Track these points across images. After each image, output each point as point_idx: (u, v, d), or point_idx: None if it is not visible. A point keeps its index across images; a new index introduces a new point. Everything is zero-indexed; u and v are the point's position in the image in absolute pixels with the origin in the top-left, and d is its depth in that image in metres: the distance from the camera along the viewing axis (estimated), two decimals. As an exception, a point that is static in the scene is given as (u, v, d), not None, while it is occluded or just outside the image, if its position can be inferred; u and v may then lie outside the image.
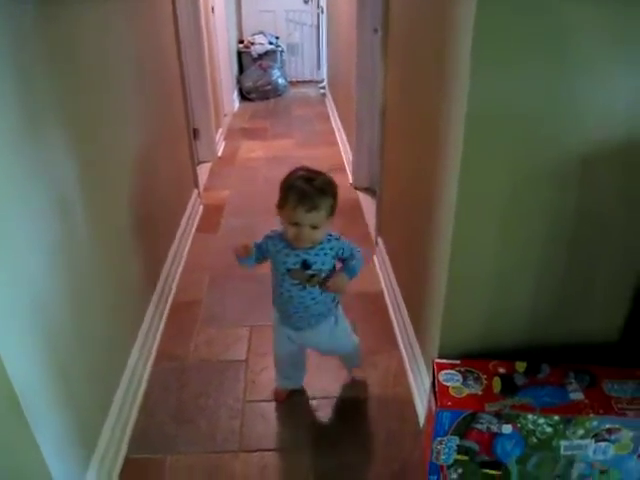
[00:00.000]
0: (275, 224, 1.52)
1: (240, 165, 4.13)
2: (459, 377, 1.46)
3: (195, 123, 3.84)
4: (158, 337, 2.13)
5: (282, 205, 1.42)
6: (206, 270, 2.61)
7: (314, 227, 1.40)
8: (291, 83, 6.52)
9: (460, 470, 1.48)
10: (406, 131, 1.98)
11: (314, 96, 6.22)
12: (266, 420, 1.76)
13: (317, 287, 1.52)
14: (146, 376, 1.93)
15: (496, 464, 1.45)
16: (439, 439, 1.43)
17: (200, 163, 3.96)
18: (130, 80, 2.05)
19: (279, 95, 6.20)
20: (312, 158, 3.96)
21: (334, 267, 1.55)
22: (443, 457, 1.46)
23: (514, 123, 1.24)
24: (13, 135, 1.14)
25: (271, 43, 6.17)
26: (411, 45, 1.86)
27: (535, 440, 1.39)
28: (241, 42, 6.26)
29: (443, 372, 1.47)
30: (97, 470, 1.47)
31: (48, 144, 1.31)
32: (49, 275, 1.28)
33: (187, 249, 2.81)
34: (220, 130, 4.48)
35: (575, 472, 1.44)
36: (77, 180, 1.47)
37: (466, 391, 1.42)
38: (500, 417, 1.37)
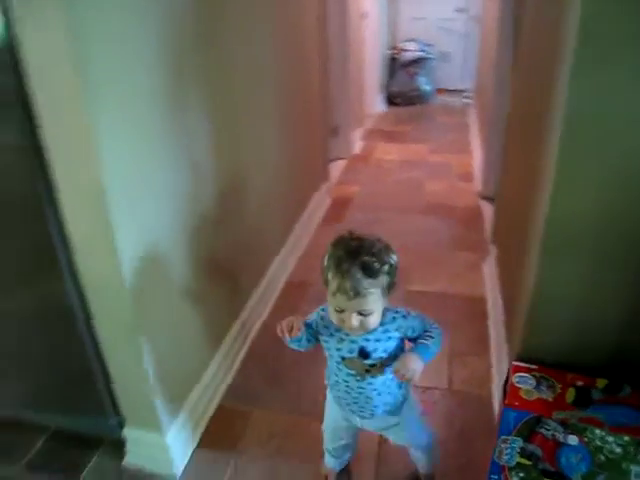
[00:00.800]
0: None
1: (373, 164, 4.28)
2: (533, 381, 1.47)
3: (335, 121, 4.05)
4: (269, 307, 2.35)
5: (324, 281, 1.15)
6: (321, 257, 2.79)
7: (364, 314, 1.12)
8: (438, 91, 6.53)
9: (522, 474, 1.49)
10: (519, 138, 1.99)
11: (458, 105, 6.19)
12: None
13: (379, 376, 1.26)
14: (252, 336, 2.16)
15: (560, 476, 1.44)
16: (503, 437, 1.45)
17: (336, 159, 4.17)
18: (270, 78, 2.28)
19: (425, 102, 6.26)
20: (443, 164, 4.00)
21: (402, 349, 1.27)
22: (505, 457, 1.48)
23: (613, 126, 1.19)
24: (166, 116, 1.48)
25: (422, 51, 6.24)
26: (530, 52, 1.87)
27: (603, 458, 1.37)
28: (393, 48, 6.40)
29: (518, 374, 1.50)
30: (194, 404, 1.71)
31: (191, 126, 1.60)
32: (177, 217, 1.58)
33: (310, 236, 3.02)
34: (360, 130, 4.66)
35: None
36: (208, 153, 1.72)
37: (536, 395, 1.43)
38: (566, 426, 1.36)
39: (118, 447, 1.73)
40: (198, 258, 1.74)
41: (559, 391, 1.44)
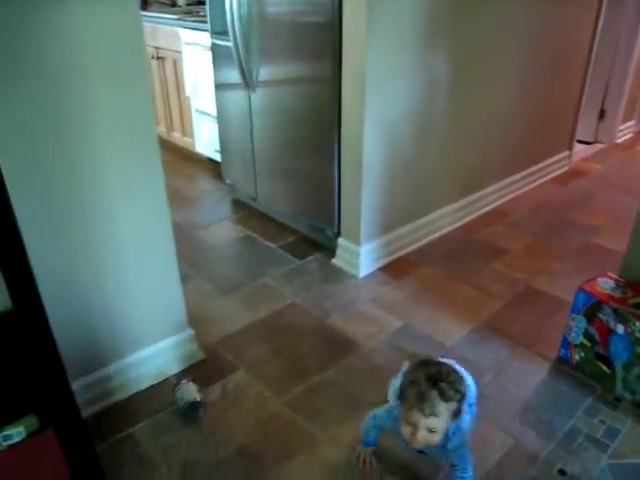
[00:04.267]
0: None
1: (629, 154, 4.38)
2: (613, 285, 1.92)
3: (604, 105, 4.32)
4: (472, 216, 3.06)
5: (401, 397, 1.34)
6: (534, 201, 3.36)
7: (432, 431, 1.30)
8: None
9: (582, 354, 1.97)
10: None
11: None
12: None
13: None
14: (454, 226, 2.91)
15: (608, 361, 1.89)
16: (573, 315, 1.96)
17: (595, 142, 4.45)
18: (527, 43, 2.90)
19: None
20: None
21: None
22: (573, 334, 1.99)
23: None
24: (414, 45, 2.26)
25: None
26: None
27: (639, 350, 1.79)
28: None
29: (604, 278, 1.96)
30: (387, 241, 2.57)
31: (435, 59, 2.40)
32: (409, 130, 2.39)
33: (530, 186, 3.55)
34: (631, 122, 4.76)
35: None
36: (444, 84, 2.49)
37: (608, 291, 1.89)
38: (617, 315, 1.81)
39: (332, 252, 2.69)
40: (425, 140, 2.55)
41: (629, 295, 1.86)
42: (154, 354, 1.88)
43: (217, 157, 3.54)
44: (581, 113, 3.76)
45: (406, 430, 1.32)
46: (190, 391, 1.80)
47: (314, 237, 2.83)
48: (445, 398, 1.26)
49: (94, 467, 1.42)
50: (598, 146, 4.48)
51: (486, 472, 1.59)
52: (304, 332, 2.18)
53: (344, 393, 1.89)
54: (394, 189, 2.52)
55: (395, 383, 1.50)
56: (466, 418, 1.42)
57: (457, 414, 1.32)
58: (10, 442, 1.24)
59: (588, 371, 1.95)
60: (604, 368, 1.90)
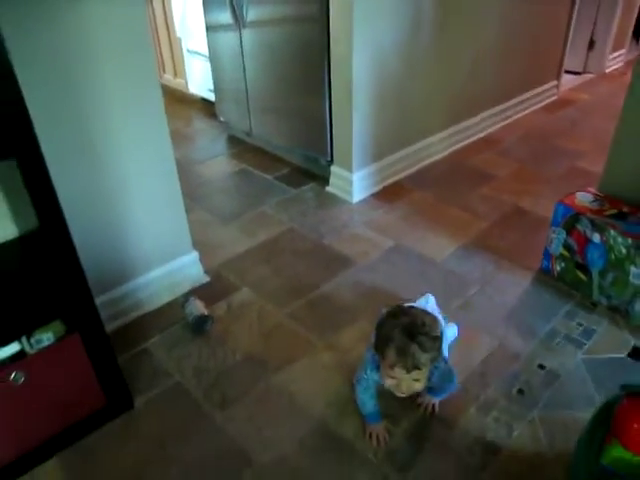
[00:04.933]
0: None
1: (617, 82, 4.40)
2: (591, 198, 2.03)
3: (594, 35, 4.34)
4: (461, 145, 3.14)
5: (378, 353, 1.32)
6: (522, 129, 3.43)
7: (416, 380, 1.30)
8: None
9: (563, 264, 2.10)
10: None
11: None
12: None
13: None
14: (440, 156, 3.01)
15: (585, 269, 2.02)
16: (553, 228, 2.09)
17: (584, 72, 4.48)
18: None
19: None
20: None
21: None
22: (553, 246, 2.11)
23: None
24: None
25: None
26: None
27: (613, 257, 1.90)
28: None
29: (583, 193, 2.07)
30: (380, 168, 2.67)
31: None
32: (398, 57, 2.45)
33: (520, 114, 3.62)
34: (622, 52, 4.77)
35: (637, 306, 1.88)
36: (432, 12, 2.52)
37: (587, 205, 2.00)
38: (594, 225, 1.92)
39: (325, 180, 2.79)
40: (414, 68, 2.61)
41: (605, 207, 1.97)
42: (163, 275, 2.01)
43: (210, 96, 3.58)
44: (571, 44, 3.78)
45: (389, 382, 1.31)
46: (198, 307, 1.94)
47: (308, 167, 2.92)
48: (425, 349, 1.23)
49: (116, 370, 1.57)
50: (588, 76, 4.52)
51: (472, 371, 1.74)
52: (301, 253, 2.31)
53: (340, 305, 2.03)
54: (385, 116, 2.59)
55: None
56: (444, 348, 1.45)
57: (437, 357, 1.31)
58: (41, 346, 1.38)
59: (568, 280, 2.09)
60: (582, 276, 2.04)
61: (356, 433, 1.55)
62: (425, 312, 1.34)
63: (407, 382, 1.29)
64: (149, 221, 1.89)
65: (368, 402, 1.50)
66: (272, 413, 1.62)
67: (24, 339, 1.35)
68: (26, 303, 1.36)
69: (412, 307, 1.40)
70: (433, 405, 1.58)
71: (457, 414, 1.60)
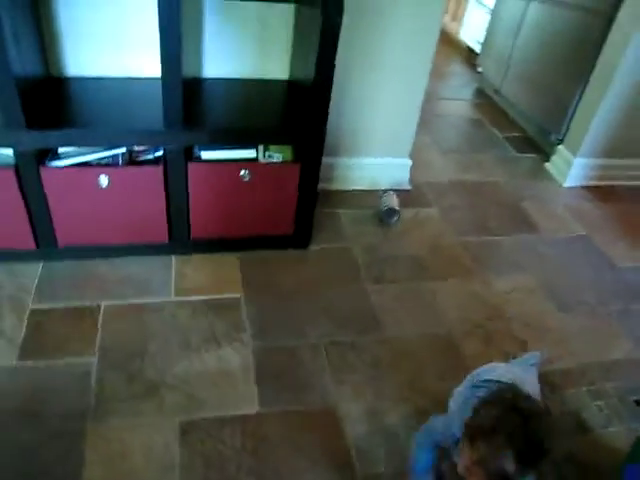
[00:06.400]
0: None
1: None
2: None
3: None
4: None
5: (469, 442, 0.97)
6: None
7: None
8: None
9: None
10: None
11: None
12: None
13: None
14: None
15: None
16: None
17: None
18: None
19: None
20: None
21: None
22: None
23: None
24: None
25: None
26: None
27: None
28: None
29: None
30: (596, 166, 2.66)
31: None
32: None
33: None
34: None
35: None
36: None
37: None
38: None
39: (547, 156, 2.86)
40: None
41: None
42: (378, 165, 2.36)
43: (476, 48, 3.74)
44: None
45: (464, 472, 0.99)
46: (393, 200, 2.25)
47: (537, 139, 3.01)
48: (537, 476, 0.93)
49: (311, 210, 1.93)
50: None
51: (599, 362, 1.79)
52: (496, 203, 2.49)
53: (512, 253, 2.20)
54: (631, 117, 2.56)
55: (462, 402, 1.23)
56: None
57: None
58: (270, 160, 1.78)
59: None
60: None
61: (472, 354, 1.74)
62: (548, 415, 1.03)
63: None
64: (388, 117, 2.23)
65: (428, 457, 1.28)
66: (412, 305, 1.89)
67: (261, 149, 1.74)
68: (272, 125, 1.76)
69: (534, 404, 1.00)
70: None
71: (567, 384, 1.71)
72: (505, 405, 0.96)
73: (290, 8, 1.84)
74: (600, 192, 2.73)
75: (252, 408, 1.46)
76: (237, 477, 1.31)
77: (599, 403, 1.68)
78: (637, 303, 2.09)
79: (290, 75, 1.98)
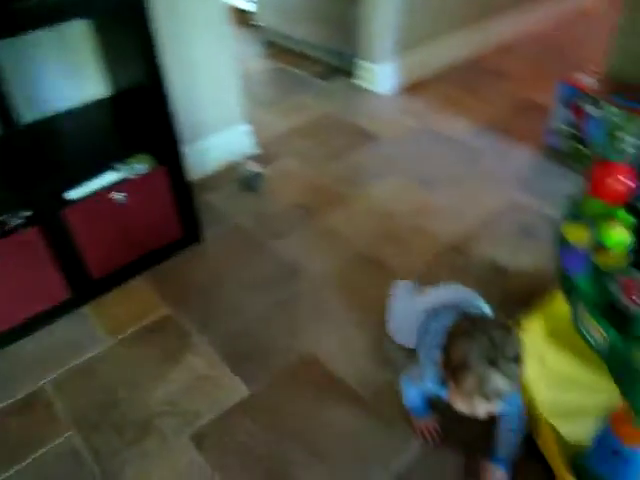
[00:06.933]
0: None
1: None
2: (592, 79, 2.32)
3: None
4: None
5: (450, 377, 1.10)
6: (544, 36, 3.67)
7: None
8: None
9: (565, 139, 2.42)
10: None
11: None
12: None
13: None
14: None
15: (585, 143, 2.33)
16: (556, 106, 2.39)
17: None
18: None
19: None
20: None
21: None
22: (557, 122, 2.43)
23: None
24: None
25: None
26: None
27: (609, 128, 2.22)
28: None
29: (584, 74, 2.36)
30: (409, 63, 2.96)
31: None
32: None
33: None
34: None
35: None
36: None
37: (587, 84, 2.31)
38: (595, 102, 2.22)
39: (351, 74, 3.11)
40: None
41: (604, 87, 2.28)
42: (223, 140, 2.41)
43: (244, 6, 3.85)
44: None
45: (463, 407, 1.11)
46: (252, 166, 2.32)
47: (338, 64, 3.23)
48: (508, 375, 1.03)
49: (192, 206, 1.95)
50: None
51: (482, 220, 2.10)
52: (336, 131, 2.68)
53: (372, 167, 2.42)
54: (409, 15, 2.85)
55: (425, 340, 1.35)
56: None
57: (519, 379, 1.09)
58: (138, 172, 1.75)
59: (570, 154, 2.41)
60: (583, 150, 2.36)
61: (391, 256, 1.93)
62: (498, 324, 1.12)
63: (485, 407, 1.09)
64: (214, 91, 2.30)
65: (419, 398, 1.36)
66: (318, 243, 2.02)
67: (123, 167, 1.71)
68: (119, 140, 1.76)
69: (483, 318, 1.23)
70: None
71: (470, 241, 1.99)
72: (458, 332, 1.11)
73: (89, 27, 1.80)
74: (411, 87, 3.04)
75: (243, 392, 1.51)
76: (271, 450, 1.37)
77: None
78: (481, 162, 2.42)
79: (114, 89, 1.93)
